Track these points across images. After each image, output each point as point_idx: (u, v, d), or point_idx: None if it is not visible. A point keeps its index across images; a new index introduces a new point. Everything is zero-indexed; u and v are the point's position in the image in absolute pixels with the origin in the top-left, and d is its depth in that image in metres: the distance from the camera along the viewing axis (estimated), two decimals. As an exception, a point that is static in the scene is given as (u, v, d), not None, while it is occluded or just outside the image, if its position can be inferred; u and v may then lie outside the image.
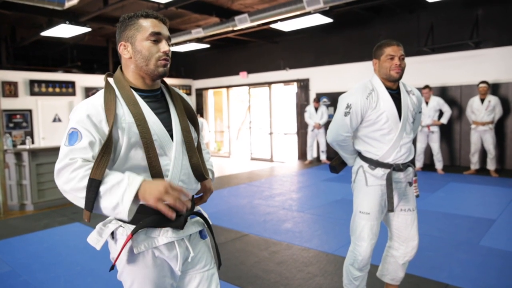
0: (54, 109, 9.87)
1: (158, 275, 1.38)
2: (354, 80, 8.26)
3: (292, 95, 10.53)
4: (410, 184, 2.32)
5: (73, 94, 10.09)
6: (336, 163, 2.48)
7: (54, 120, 9.89)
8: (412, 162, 2.37)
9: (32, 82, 9.37)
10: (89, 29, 7.71)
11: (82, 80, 10.35)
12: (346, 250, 2.47)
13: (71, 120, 1.29)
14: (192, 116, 1.51)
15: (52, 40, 9.66)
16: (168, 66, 1.40)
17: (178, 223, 1.36)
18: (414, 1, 7.20)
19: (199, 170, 1.45)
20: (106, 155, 1.23)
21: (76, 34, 8.22)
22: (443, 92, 7.73)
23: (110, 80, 1.40)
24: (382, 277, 2.52)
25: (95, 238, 1.36)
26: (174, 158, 1.37)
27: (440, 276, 2.96)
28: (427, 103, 7.16)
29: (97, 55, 12.07)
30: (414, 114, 2.31)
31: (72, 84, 10.07)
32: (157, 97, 1.44)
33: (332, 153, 8.82)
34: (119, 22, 1.42)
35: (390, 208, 2.22)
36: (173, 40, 8.99)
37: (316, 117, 8.84)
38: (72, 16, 7.52)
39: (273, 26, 8.18)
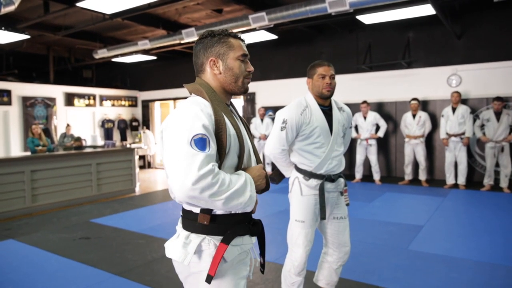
0: (-14, 119, 9.28)
1: (240, 284, 1.43)
2: (298, 95, 8.51)
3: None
4: (342, 193, 2.51)
5: (9, 103, 9.55)
6: (275, 174, 2.63)
7: (-13, 131, 9.30)
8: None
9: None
10: (27, 36, 7.40)
11: (20, 89, 9.82)
12: (285, 258, 2.60)
13: (187, 125, 1.27)
14: (249, 129, 1.60)
15: (-15, 46, 9.14)
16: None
17: (256, 229, 1.49)
18: (353, 22, 7.67)
19: (267, 180, 1.53)
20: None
21: (13, 41, 7.85)
22: (379, 107, 8.26)
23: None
24: (318, 282, 2.67)
25: (182, 253, 1.37)
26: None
27: (371, 279, 3.18)
28: (365, 117, 7.61)
29: (37, 63, 11.53)
30: (344, 129, 2.51)
31: (7, 92, 9.53)
32: (232, 111, 1.54)
33: (278, 165, 9.04)
34: (203, 37, 1.47)
35: (323, 216, 2.39)
36: (119, 51, 8.84)
37: (262, 128, 9.02)
38: (9, 22, 7.19)
39: (220, 40, 8.31)
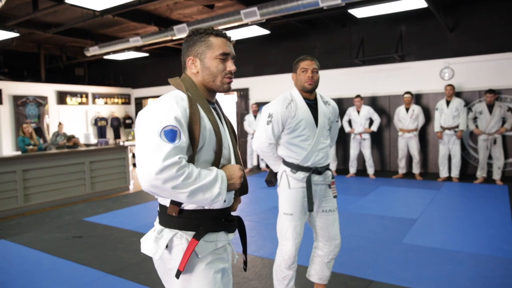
0: (-23, 119, 9.19)
1: (216, 278, 1.42)
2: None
3: (232, 104, 10.66)
4: (329, 186, 2.51)
5: (0, 102, 9.46)
6: (270, 177, 2.62)
7: (-22, 131, 9.20)
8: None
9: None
10: (17, 34, 7.30)
11: (11, 88, 9.72)
12: (278, 253, 2.58)
13: (160, 116, 1.28)
14: (234, 131, 1.60)
15: (-26, 45, 9.02)
16: (232, 82, 1.51)
17: (232, 226, 1.50)
18: (346, 16, 7.64)
19: (245, 183, 1.52)
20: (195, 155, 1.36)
21: (2, 39, 7.75)
22: (373, 101, 8.26)
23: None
24: (310, 277, 2.67)
25: (153, 248, 1.37)
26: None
27: (365, 273, 3.17)
28: (358, 112, 7.61)
29: (28, 62, 11.41)
30: (330, 122, 2.53)
31: (-2, 92, 9.44)
32: (216, 109, 1.54)
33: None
34: (187, 36, 1.49)
35: (310, 208, 2.42)
36: (111, 48, 8.76)
37: (255, 125, 8.99)
38: (-3, 20, 7.10)
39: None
